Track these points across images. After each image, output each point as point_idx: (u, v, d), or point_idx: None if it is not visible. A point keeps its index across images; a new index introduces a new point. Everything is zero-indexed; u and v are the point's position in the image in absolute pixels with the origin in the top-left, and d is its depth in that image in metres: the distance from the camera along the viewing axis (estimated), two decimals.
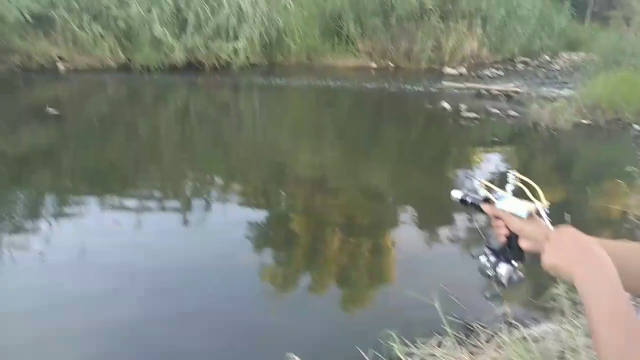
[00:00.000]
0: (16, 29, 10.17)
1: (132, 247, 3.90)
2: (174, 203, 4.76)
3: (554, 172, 6.54)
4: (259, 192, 5.27)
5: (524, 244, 0.89)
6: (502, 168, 6.42)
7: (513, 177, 0.94)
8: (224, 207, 4.77)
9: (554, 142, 7.34)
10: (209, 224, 4.39)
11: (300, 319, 3.17)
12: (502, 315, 2.99)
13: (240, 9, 12.13)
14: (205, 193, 5.03)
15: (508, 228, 0.91)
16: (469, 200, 0.99)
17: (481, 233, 4.37)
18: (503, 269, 0.92)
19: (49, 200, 4.71)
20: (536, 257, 0.83)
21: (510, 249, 0.92)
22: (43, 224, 4.12)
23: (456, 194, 1.01)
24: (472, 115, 8.52)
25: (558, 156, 7.15)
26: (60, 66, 10.94)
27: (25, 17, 10.27)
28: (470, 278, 3.70)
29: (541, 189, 0.88)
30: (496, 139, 7.86)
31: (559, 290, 3.10)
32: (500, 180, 0.97)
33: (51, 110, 7.43)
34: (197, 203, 4.77)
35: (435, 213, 5.04)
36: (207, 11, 11.94)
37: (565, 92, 10.75)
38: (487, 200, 0.95)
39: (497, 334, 2.63)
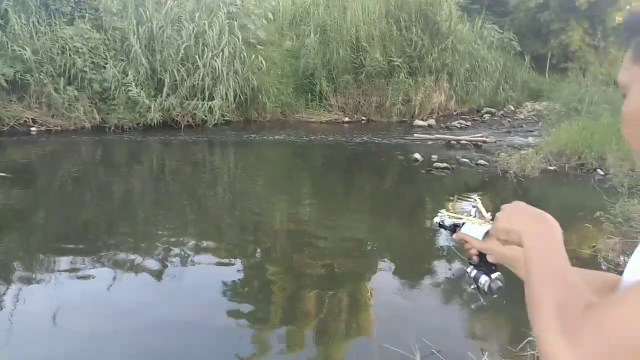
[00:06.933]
0: None
1: (104, 308, 3.79)
2: (147, 262, 4.66)
3: None
4: (234, 247, 5.22)
5: (490, 258, 1.05)
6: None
7: (474, 200, 1.14)
8: (199, 265, 4.70)
9: (523, 188, 7.54)
10: (183, 283, 4.30)
11: None
12: None
13: (215, 69, 12.46)
14: (180, 251, 4.96)
15: None
16: (446, 223, 1.17)
17: (458, 252, 4.43)
18: (483, 279, 1.06)
19: (17, 263, 4.56)
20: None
21: (484, 264, 1.07)
22: (11, 288, 3.99)
23: (436, 219, 1.19)
24: (443, 165, 8.74)
25: (528, 202, 7.33)
26: (33, 129, 10.91)
27: (0, 84, 10.33)
28: (450, 328, 3.70)
29: None
30: (468, 188, 8.05)
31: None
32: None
33: (3, 174, 7.22)
34: (171, 261, 4.69)
35: (412, 262, 5.06)
36: (183, 72, 12.22)
37: (531, 140, 11.18)
38: (454, 227, 1.14)
39: None
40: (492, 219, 1.05)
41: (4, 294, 3.89)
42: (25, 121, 10.93)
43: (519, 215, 0.83)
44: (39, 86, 10.97)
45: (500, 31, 18.70)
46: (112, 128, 11.38)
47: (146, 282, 4.23)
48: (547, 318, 0.61)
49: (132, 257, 4.77)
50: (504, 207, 0.87)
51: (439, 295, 4.27)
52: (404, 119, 14.74)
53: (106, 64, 11.53)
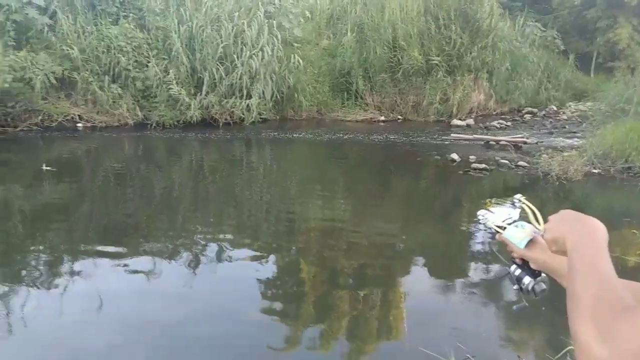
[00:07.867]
0: (40, 91, 10.68)
1: (143, 301, 3.93)
2: (184, 257, 4.79)
3: None
4: (269, 244, 5.29)
5: (533, 265, 1.02)
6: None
7: (518, 201, 1.09)
8: (234, 261, 4.79)
9: (565, 191, 7.32)
10: (219, 278, 4.40)
11: None
12: None
13: (253, 68, 12.63)
14: (217, 246, 5.07)
15: None
16: (488, 225, 1.14)
17: (498, 254, 4.40)
18: (527, 279, 1.03)
19: (60, 255, 4.77)
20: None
21: (527, 269, 1.04)
22: (54, 279, 4.18)
23: (480, 214, 1.16)
24: (482, 166, 8.57)
25: (570, 206, 7.07)
26: (79, 124, 11.36)
27: (50, 81, 10.81)
28: (486, 332, 3.64)
29: None
30: (507, 190, 7.86)
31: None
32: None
33: (49, 169, 7.63)
34: (208, 257, 4.80)
35: (447, 264, 4.99)
36: (222, 71, 12.45)
37: (574, 141, 10.81)
38: (497, 228, 1.10)
39: None
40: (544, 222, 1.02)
41: (48, 285, 4.08)
42: (72, 117, 11.43)
43: (563, 221, 0.84)
44: (85, 84, 11.43)
45: (543, 29, 18.16)
46: (154, 125, 11.73)
47: (180, 276, 4.35)
48: (584, 313, 0.63)
49: (167, 252, 4.91)
50: (550, 218, 0.88)
51: (474, 299, 4.20)
52: (441, 119, 14.53)
53: (148, 62, 11.88)
